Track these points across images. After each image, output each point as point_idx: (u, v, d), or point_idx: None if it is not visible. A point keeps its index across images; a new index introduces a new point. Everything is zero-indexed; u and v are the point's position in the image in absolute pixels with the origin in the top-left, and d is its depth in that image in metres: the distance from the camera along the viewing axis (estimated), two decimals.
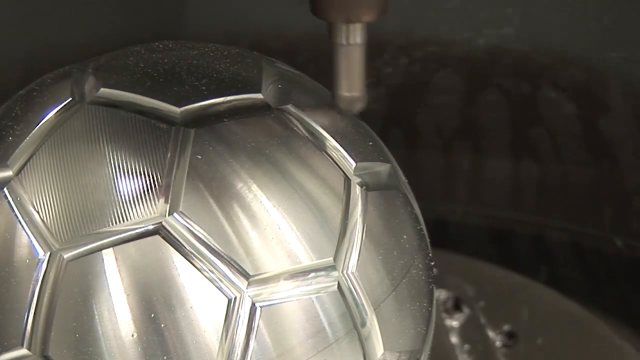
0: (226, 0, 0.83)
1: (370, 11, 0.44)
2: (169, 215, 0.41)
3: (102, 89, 0.45)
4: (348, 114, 0.47)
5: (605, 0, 0.77)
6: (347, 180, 0.45)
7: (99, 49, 0.51)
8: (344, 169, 0.45)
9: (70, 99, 0.45)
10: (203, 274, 0.41)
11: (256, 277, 0.41)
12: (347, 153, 0.45)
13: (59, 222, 0.41)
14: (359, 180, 0.45)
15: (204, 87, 0.44)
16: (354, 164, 0.45)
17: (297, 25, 0.79)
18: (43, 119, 0.44)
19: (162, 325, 0.40)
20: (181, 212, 0.41)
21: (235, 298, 0.41)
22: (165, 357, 0.40)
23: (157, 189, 0.41)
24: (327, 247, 0.43)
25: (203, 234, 0.41)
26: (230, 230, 0.41)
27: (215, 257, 0.41)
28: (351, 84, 0.46)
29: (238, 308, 0.41)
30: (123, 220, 0.41)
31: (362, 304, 0.43)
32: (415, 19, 0.81)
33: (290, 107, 0.46)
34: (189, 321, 0.40)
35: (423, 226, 0.49)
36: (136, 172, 0.41)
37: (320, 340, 0.42)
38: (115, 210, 0.41)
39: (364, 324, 0.43)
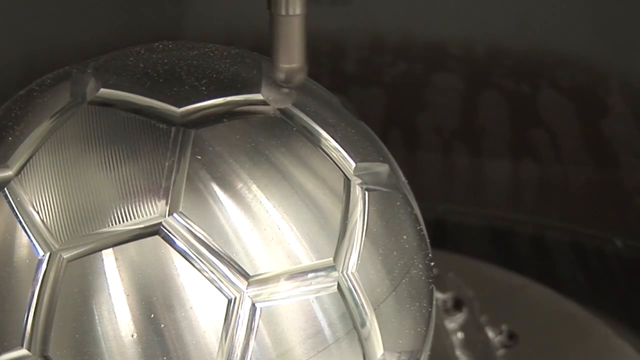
0: (226, 0, 0.83)
1: None
2: (168, 215, 0.41)
3: (101, 90, 0.45)
4: (289, 86, 0.46)
5: (605, 1, 0.77)
6: (347, 181, 0.45)
7: (99, 49, 0.51)
8: (343, 170, 0.45)
9: (70, 99, 0.45)
10: (203, 274, 0.41)
11: (256, 278, 0.41)
12: (347, 153, 0.45)
13: (59, 222, 0.41)
14: (359, 180, 0.45)
15: (203, 88, 0.44)
16: (354, 164, 0.45)
17: None
18: (43, 119, 0.44)
19: (162, 326, 0.40)
20: (181, 212, 0.41)
21: (235, 298, 0.41)
22: (165, 358, 0.40)
23: (157, 189, 0.41)
24: (327, 247, 0.43)
25: (203, 234, 0.41)
26: (230, 231, 0.41)
27: (215, 257, 0.41)
28: (291, 55, 0.45)
29: (238, 308, 0.41)
30: (123, 221, 0.41)
31: (362, 304, 0.43)
32: (414, 19, 0.81)
33: (290, 108, 0.46)
34: (188, 321, 0.40)
35: (423, 226, 0.49)
36: (136, 173, 0.41)
37: (320, 341, 0.42)
38: (115, 211, 0.41)
39: (363, 325, 0.43)
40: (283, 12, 0.44)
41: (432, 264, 0.49)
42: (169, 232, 0.41)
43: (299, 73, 0.45)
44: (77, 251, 0.41)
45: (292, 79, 0.46)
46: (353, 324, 0.43)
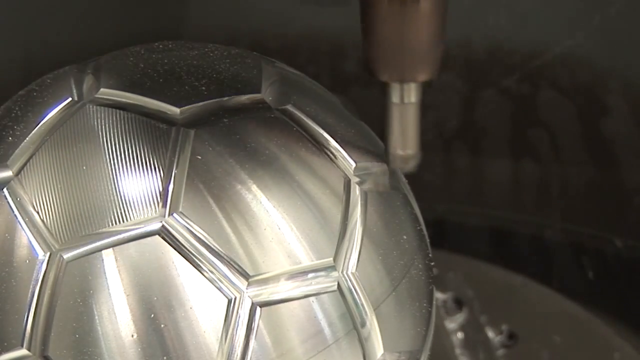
0: (226, 0, 0.83)
1: (425, 71, 0.44)
2: (168, 215, 0.41)
3: (101, 89, 0.45)
4: (401, 169, 0.47)
5: (605, 1, 0.77)
6: (347, 181, 0.45)
7: (99, 49, 0.51)
8: (344, 170, 0.45)
9: (70, 99, 0.45)
10: (203, 274, 0.41)
11: (256, 278, 0.41)
12: (347, 153, 0.45)
13: (59, 222, 0.41)
14: (358, 180, 0.45)
15: (203, 88, 0.44)
16: (354, 164, 0.45)
17: (297, 25, 0.79)
18: (43, 119, 0.44)
19: (162, 326, 0.40)
20: (181, 212, 0.41)
21: (235, 298, 0.41)
22: (165, 358, 0.40)
23: (157, 190, 0.41)
24: (327, 247, 0.43)
25: (203, 234, 0.41)
26: (230, 231, 0.41)
27: (215, 257, 0.41)
28: (405, 142, 0.46)
29: (238, 308, 0.41)
30: (123, 221, 0.41)
31: (362, 305, 0.43)
32: None
33: (290, 108, 0.46)
34: (188, 321, 0.40)
35: (423, 226, 0.49)
36: (136, 173, 0.42)
37: (320, 341, 0.42)
38: (115, 211, 0.41)
39: (363, 325, 0.43)
40: (398, 100, 0.44)
41: (432, 264, 0.49)
42: (169, 232, 0.41)
43: (413, 159, 0.46)
44: (77, 251, 0.41)
45: (406, 165, 0.46)
46: (353, 324, 0.43)
